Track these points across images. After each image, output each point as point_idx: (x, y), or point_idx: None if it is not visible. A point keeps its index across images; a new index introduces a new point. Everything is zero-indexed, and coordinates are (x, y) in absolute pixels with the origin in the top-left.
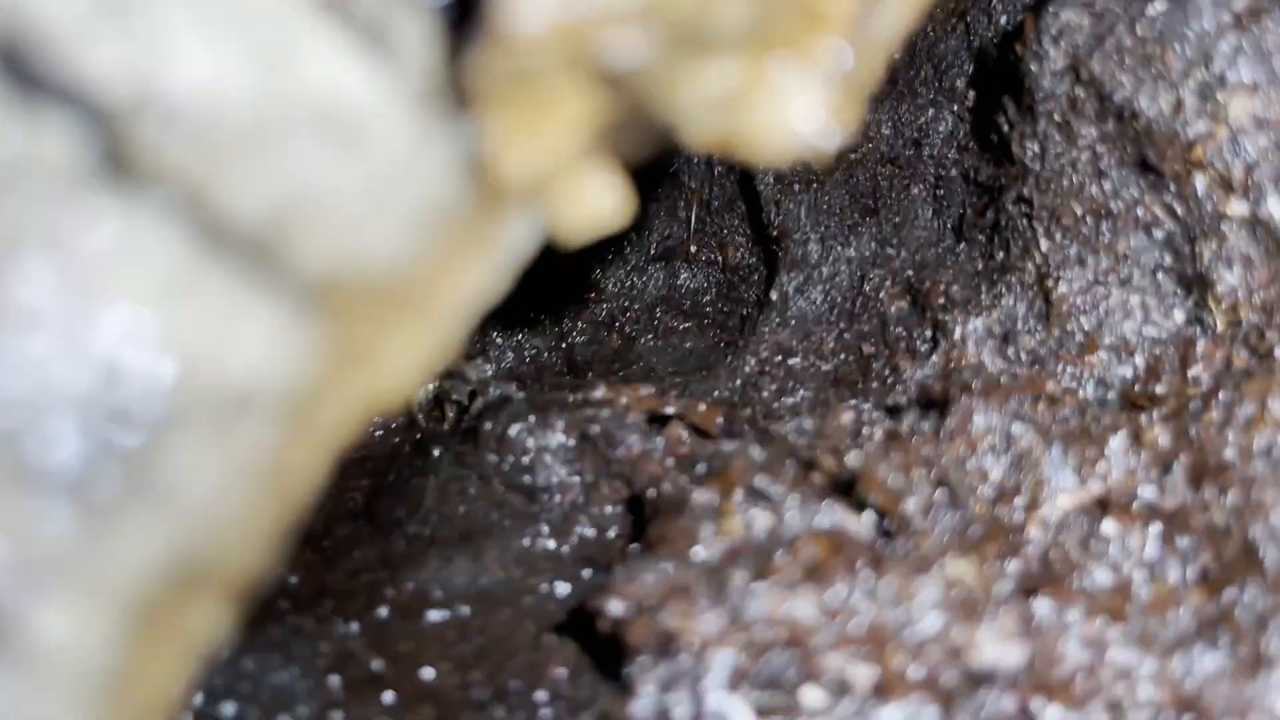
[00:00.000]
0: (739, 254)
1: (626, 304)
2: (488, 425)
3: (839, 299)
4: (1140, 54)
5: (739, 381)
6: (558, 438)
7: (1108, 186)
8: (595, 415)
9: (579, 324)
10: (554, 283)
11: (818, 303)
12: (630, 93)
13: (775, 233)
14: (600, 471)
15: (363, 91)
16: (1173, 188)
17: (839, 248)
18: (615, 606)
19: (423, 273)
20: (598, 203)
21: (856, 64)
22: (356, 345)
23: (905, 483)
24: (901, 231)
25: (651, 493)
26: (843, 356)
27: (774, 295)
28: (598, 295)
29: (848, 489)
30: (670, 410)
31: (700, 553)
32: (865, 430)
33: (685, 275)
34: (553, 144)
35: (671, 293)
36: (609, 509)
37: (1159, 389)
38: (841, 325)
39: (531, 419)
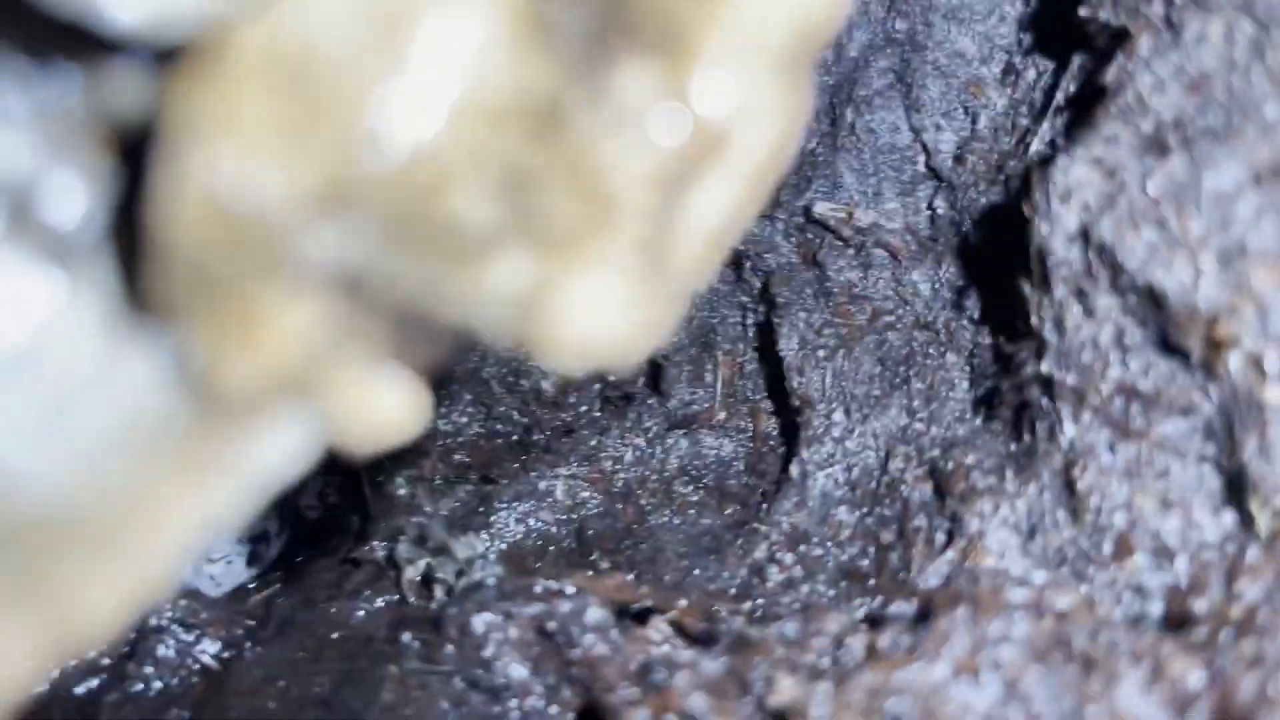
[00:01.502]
0: (772, 422)
1: (645, 474)
2: (452, 612)
3: (862, 478)
4: (1154, 216)
5: (745, 570)
6: (519, 633)
7: (1134, 364)
8: (556, 610)
9: (594, 496)
10: (567, 449)
11: (840, 481)
12: (386, 297)
13: (797, 402)
14: (560, 673)
15: (39, 309)
16: (1203, 368)
17: (865, 420)
18: None
19: (120, 503)
20: (383, 410)
21: (669, 260)
22: (31, 584)
23: (855, 715)
24: (932, 405)
25: (603, 702)
26: (859, 545)
27: (794, 471)
28: (615, 465)
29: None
30: (646, 604)
31: None
32: (848, 641)
33: (710, 445)
34: (274, 356)
35: (694, 464)
36: (568, 716)
37: (1201, 606)
38: (863, 509)
39: (497, 611)
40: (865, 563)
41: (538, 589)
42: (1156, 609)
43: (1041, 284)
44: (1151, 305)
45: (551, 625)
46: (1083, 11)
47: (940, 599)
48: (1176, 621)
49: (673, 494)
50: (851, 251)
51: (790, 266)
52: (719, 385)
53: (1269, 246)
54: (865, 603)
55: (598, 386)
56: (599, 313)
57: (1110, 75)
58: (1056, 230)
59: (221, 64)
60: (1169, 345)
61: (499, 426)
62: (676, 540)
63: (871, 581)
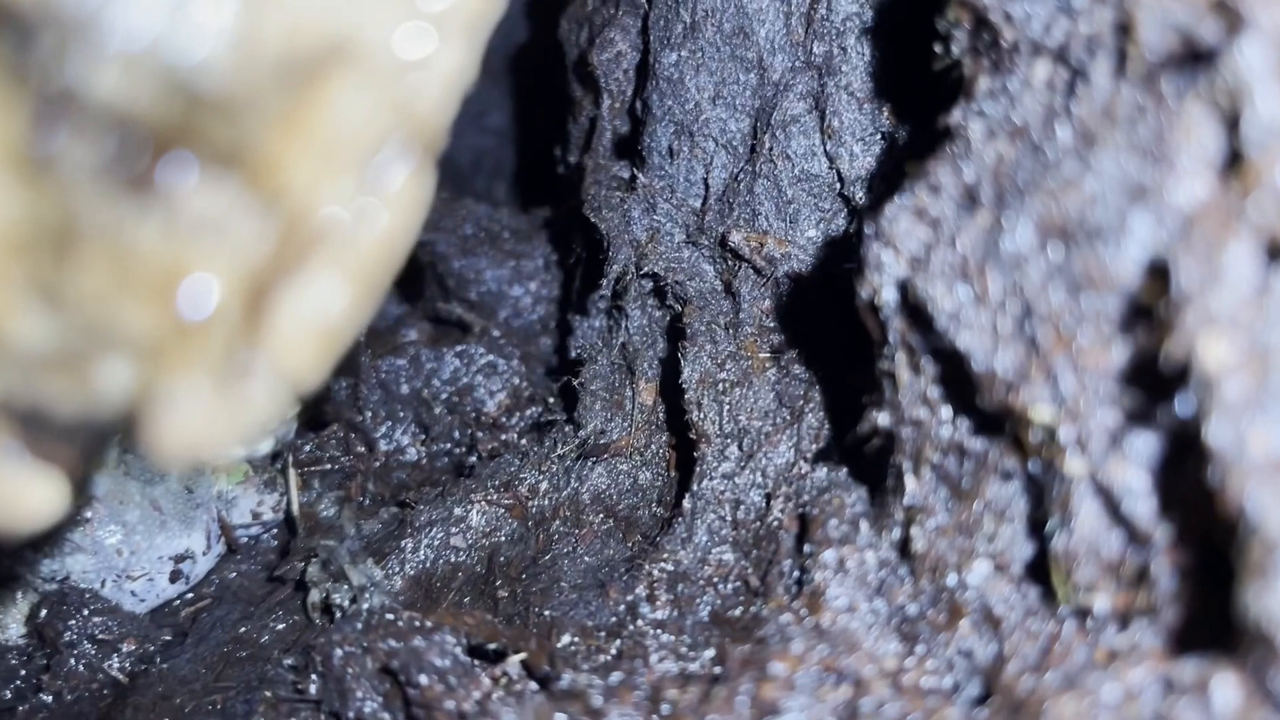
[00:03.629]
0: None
1: (558, 502)
2: (320, 641)
3: (745, 517)
4: (962, 273)
5: (623, 607)
6: (373, 666)
7: (961, 423)
8: (403, 647)
9: (509, 522)
10: (487, 475)
11: (726, 519)
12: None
13: (694, 435)
14: (405, 711)
15: None
16: (1011, 435)
17: (757, 457)
18: None
19: None
20: (12, 500)
21: (264, 359)
22: None
23: None
24: (819, 443)
25: None
26: (731, 589)
27: (685, 506)
28: (532, 492)
29: None
30: (497, 645)
31: None
32: (665, 695)
33: (625, 475)
34: None
35: (610, 492)
36: None
37: (1015, 680)
38: (741, 552)
39: (355, 644)
40: (736, 609)
41: (400, 622)
42: (976, 681)
43: (879, 333)
44: (959, 366)
45: (394, 664)
46: (937, 48)
47: (739, 660)
48: (986, 694)
49: (583, 523)
50: (765, 282)
51: (710, 294)
52: (635, 413)
53: (1055, 312)
54: (667, 663)
55: (538, 410)
56: (186, 416)
57: (953, 117)
58: (883, 278)
59: None
60: (980, 409)
61: (439, 446)
62: (576, 571)
63: (734, 624)
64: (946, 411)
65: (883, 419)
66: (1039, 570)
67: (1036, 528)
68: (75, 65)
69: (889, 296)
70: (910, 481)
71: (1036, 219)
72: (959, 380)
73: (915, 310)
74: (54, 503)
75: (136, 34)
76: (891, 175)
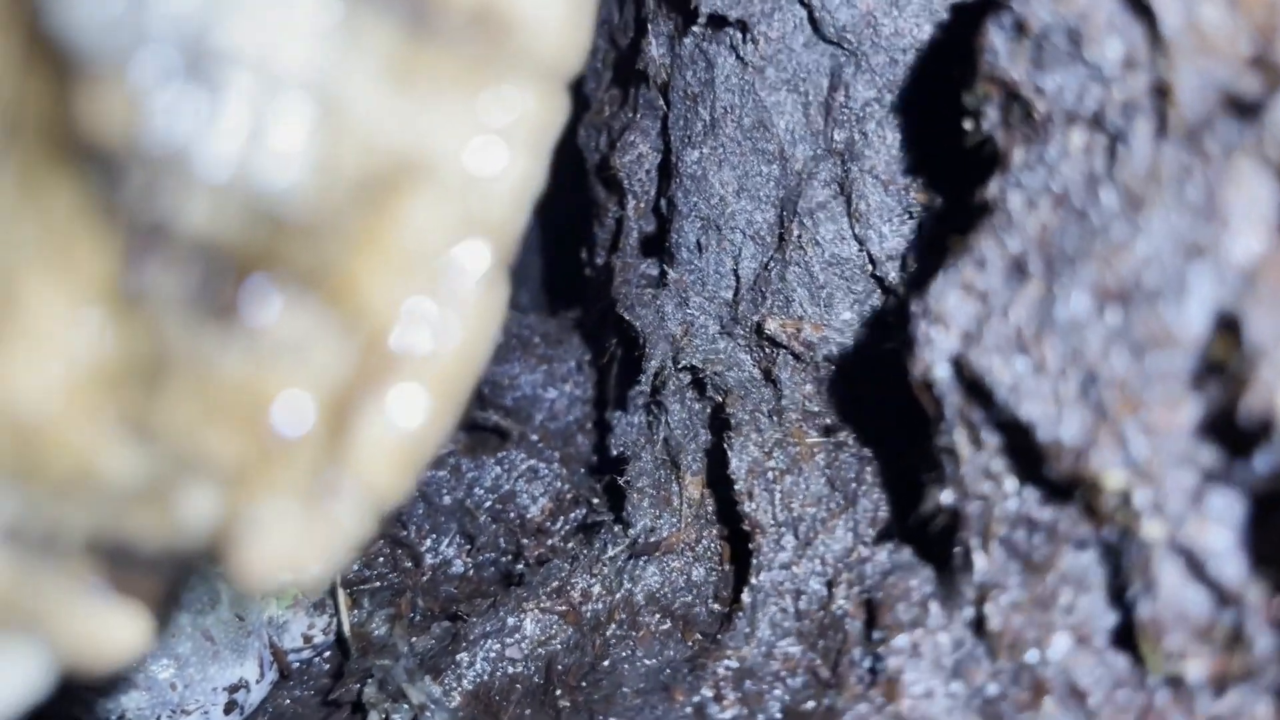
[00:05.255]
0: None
1: (613, 605)
2: None
3: (808, 607)
4: (1018, 344)
5: (690, 709)
6: None
7: (1028, 495)
8: None
9: (564, 629)
10: (539, 582)
11: (788, 611)
12: (63, 540)
13: (748, 526)
14: None
15: None
16: (1083, 503)
17: (814, 544)
18: None
19: None
20: (98, 635)
21: (349, 478)
22: None
23: None
24: (877, 526)
25: None
26: (800, 683)
27: (745, 599)
28: (584, 597)
29: None
30: None
31: None
32: None
33: (678, 572)
34: None
35: (664, 591)
36: None
37: None
38: (806, 643)
39: None
40: (809, 703)
41: None
42: None
43: (934, 410)
44: (1024, 437)
45: None
46: (967, 124)
47: None
48: None
49: (639, 625)
50: (805, 366)
51: (751, 382)
52: (684, 508)
53: (1120, 376)
54: None
55: (583, 512)
56: (275, 539)
57: (990, 191)
58: (935, 355)
59: None
60: (1048, 478)
61: (485, 556)
62: (637, 675)
63: None
64: (1012, 484)
65: (945, 496)
66: (1124, 640)
67: (1117, 596)
68: (165, 199)
69: (942, 373)
70: (979, 558)
71: (1090, 285)
72: (1023, 451)
73: (972, 384)
74: (136, 639)
75: (222, 165)
76: (927, 252)
